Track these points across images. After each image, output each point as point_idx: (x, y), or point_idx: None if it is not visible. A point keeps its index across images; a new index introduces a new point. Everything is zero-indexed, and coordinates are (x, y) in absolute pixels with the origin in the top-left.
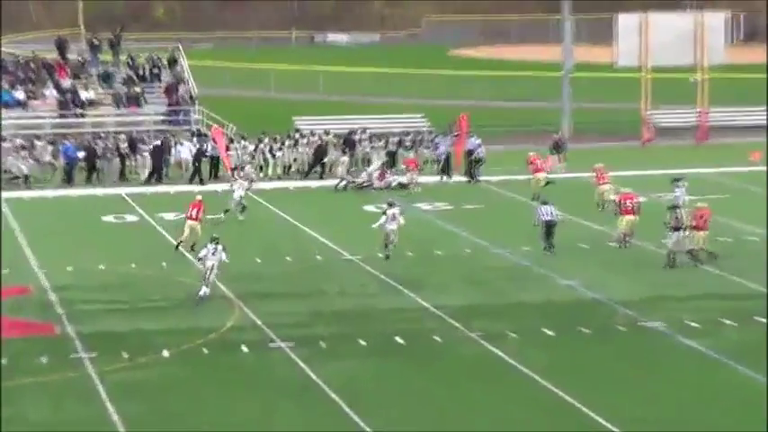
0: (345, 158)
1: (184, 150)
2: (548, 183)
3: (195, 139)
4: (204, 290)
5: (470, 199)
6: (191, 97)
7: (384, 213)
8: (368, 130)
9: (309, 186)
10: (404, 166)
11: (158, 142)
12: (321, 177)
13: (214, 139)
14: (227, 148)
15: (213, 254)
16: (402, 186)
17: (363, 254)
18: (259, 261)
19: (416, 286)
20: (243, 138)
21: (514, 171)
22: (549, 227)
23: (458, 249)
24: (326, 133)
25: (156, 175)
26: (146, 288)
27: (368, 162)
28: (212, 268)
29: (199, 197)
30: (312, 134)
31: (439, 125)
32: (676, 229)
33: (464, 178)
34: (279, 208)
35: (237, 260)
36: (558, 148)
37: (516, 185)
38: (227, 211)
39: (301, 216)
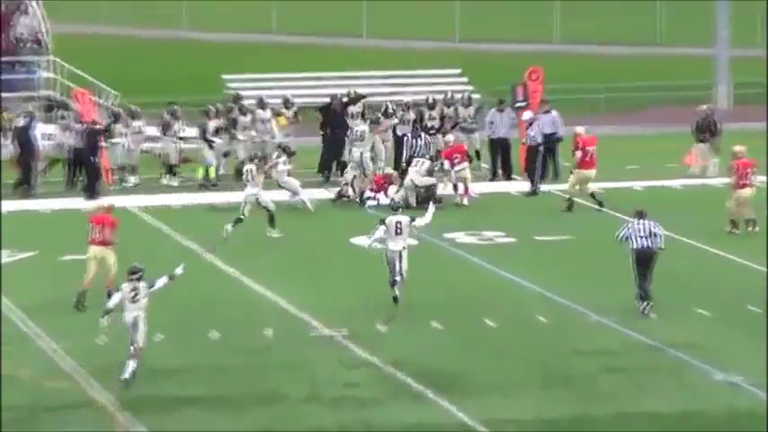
0: (358, 151)
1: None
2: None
3: (62, 114)
4: (132, 365)
5: (546, 224)
6: (37, 41)
7: (382, 222)
8: (358, 95)
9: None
10: (445, 163)
11: (21, 122)
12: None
13: (81, 116)
14: (109, 134)
15: (134, 299)
16: (431, 197)
17: (350, 325)
18: (161, 338)
19: (451, 386)
20: (132, 115)
21: (625, 174)
22: (643, 259)
23: (526, 316)
24: (286, 104)
25: (25, 183)
26: None
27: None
28: (135, 325)
29: (106, 204)
30: (263, 106)
31: (490, 90)
32: None
33: (521, 183)
34: (201, 243)
35: (125, 341)
36: (706, 130)
37: (631, 197)
38: (272, 219)
39: (241, 259)
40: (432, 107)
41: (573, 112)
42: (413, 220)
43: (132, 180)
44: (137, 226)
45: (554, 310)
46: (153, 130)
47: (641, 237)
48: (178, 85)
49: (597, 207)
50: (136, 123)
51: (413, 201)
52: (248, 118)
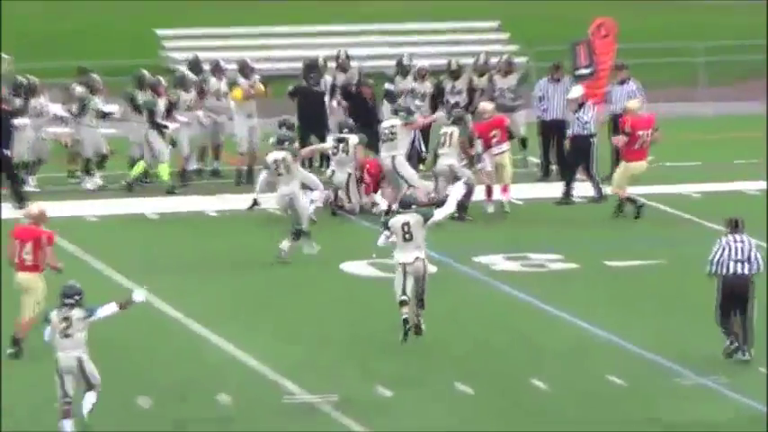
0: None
1: None
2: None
3: None
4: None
5: (621, 243)
6: None
7: (386, 227)
8: (351, 60)
9: (202, 213)
10: (477, 144)
11: None
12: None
13: None
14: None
15: (66, 332)
16: (460, 207)
17: (341, 387)
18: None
19: None
20: (30, 89)
21: (733, 172)
22: (735, 291)
23: (592, 375)
24: (243, 71)
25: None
26: None
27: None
28: (80, 368)
29: (36, 210)
30: (219, 74)
31: (539, 51)
32: None
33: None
34: (127, 270)
35: (27, 406)
36: None
37: (743, 204)
38: (302, 234)
39: (186, 292)
40: (456, 75)
41: (658, 84)
42: (427, 217)
43: (31, 182)
44: None
45: (633, 366)
46: (58, 109)
47: (735, 260)
48: (93, 45)
49: (615, 211)
50: (35, 101)
51: (444, 189)
52: (191, 94)
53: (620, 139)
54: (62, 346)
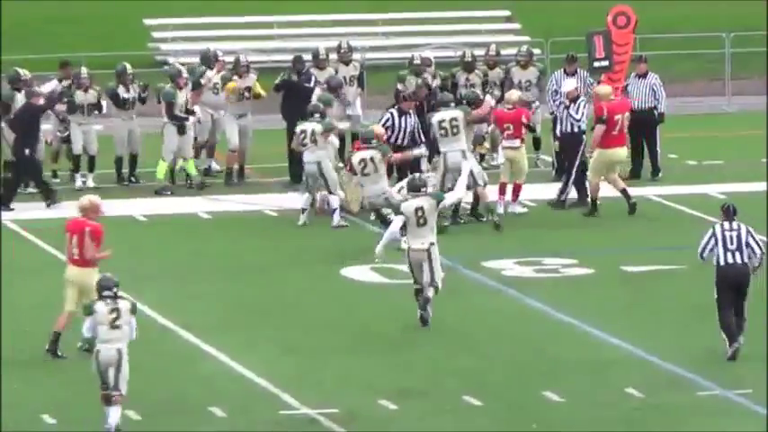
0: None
1: None
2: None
3: None
4: (115, 412)
5: (638, 247)
6: None
7: (397, 212)
8: (353, 50)
9: (194, 214)
10: (482, 127)
11: None
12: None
13: None
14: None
15: (114, 323)
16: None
17: (342, 400)
18: (51, 422)
19: None
20: (25, 83)
21: (752, 171)
22: (732, 282)
23: (610, 387)
24: (236, 67)
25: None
26: None
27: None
28: (118, 363)
29: (85, 202)
30: (219, 67)
31: (553, 42)
32: None
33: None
34: (121, 283)
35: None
36: None
37: None
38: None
39: (176, 300)
40: (470, 68)
41: (679, 76)
42: (439, 200)
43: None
44: (20, 252)
45: (652, 377)
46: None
47: (729, 249)
48: (77, 36)
49: (628, 210)
50: (19, 96)
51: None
52: (184, 106)
53: (598, 129)
54: (108, 337)
